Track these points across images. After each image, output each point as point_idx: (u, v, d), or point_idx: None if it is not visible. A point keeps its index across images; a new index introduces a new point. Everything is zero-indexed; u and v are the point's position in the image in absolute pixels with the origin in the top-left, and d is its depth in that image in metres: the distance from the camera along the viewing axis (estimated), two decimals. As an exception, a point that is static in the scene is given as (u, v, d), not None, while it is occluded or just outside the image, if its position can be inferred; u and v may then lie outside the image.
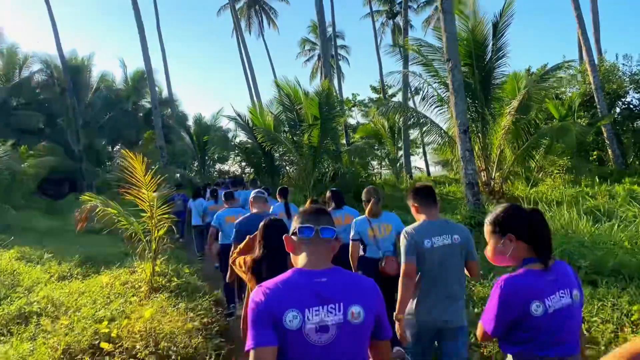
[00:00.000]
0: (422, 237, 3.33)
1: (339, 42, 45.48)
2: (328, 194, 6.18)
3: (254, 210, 5.37)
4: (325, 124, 13.96)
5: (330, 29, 34.99)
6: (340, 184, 13.64)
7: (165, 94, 35.99)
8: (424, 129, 13.94)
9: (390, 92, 36.53)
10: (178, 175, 25.48)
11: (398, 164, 24.81)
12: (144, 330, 4.29)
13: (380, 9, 43.28)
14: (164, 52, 36.12)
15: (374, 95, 38.29)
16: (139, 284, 6.20)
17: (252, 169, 18.03)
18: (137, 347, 4.08)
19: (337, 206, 6.01)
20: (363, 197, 5.13)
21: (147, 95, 36.64)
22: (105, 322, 4.52)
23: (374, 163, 24.83)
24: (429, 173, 36.13)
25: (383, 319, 1.99)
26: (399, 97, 36.99)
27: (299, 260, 2.00)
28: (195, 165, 26.06)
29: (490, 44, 13.76)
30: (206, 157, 24.72)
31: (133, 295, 5.79)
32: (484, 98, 14.04)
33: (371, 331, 1.94)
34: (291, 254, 2.08)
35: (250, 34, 43.64)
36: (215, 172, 27.17)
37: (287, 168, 16.55)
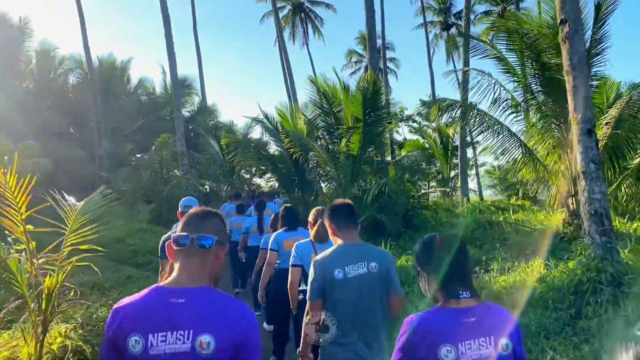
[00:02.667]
0: (333, 266, 2.90)
1: (388, 54, 42.71)
2: (281, 211, 5.61)
3: None
4: (369, 127, 10.98)
5: (379, 41, 32.36)
6: (386, 204, 10.67)
7: (203, 102, 34.26)
8: (497, 139, 10.79)
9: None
10: (206, 187, 23.08)
11: (451, 184, 21.53)
12: None
13: (434, 20, 40.41)
14: (199, 57, 34.33)
15: (424, 110, 35.24)
16: (19, 369, 3.41)
17: (279, 183, 15.21)
18: None
19: (290, 227, 5.34)
20: (310, 217, 4.63)
21: (187, 103, 35.22)
22: None
23: (421, 184, 21.68)
24: (481, 197, 32.62)
25: (245, 351, 1.72)
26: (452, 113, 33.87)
27: (172, 273, 1.82)
28: (223, 176, 23.53)
29: (590, 31, 10.56)
30: (235, 168, 22.15)
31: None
32: (577, 102, 10.83)
33: None
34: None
35: (294, 43, 41.42)
36: (245, 185, 24.59)
37: (322, 183, 13.65)
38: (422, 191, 15.16)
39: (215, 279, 1.91)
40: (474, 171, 35.69)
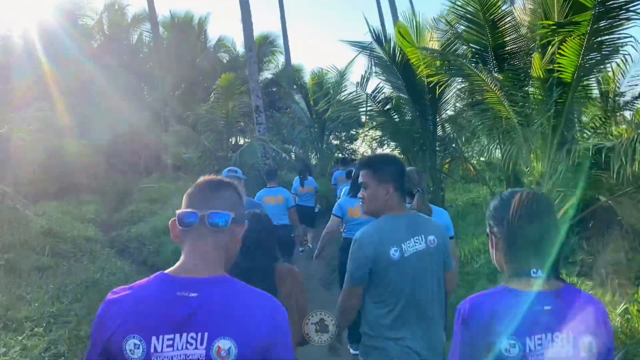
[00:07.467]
0: (386, 244, 2.30)
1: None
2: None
3: None
4: (601, 23, 5.31)
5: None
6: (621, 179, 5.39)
7: (287, 60, 29.86)
8: None
9: None
10: (292, 153, 18.64)
11: None
12: None
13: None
14: (282, 9, 29.57)
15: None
16: None
17: (394, 144, 10.17)
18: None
19: (357, 193, 3.49)
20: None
21: (270, 63, 31.12)
22: None
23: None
24: None
25: (273, 352, 1.33)
26: None
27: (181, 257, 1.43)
28: (310, 142, 18.92)
29: None
30: (324, 132, 17.48)
31: None
32: None
33: None
34: None
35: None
36: (337, 152, 19.90)
37: (467, 141, 8.34)
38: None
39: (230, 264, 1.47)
40: None
